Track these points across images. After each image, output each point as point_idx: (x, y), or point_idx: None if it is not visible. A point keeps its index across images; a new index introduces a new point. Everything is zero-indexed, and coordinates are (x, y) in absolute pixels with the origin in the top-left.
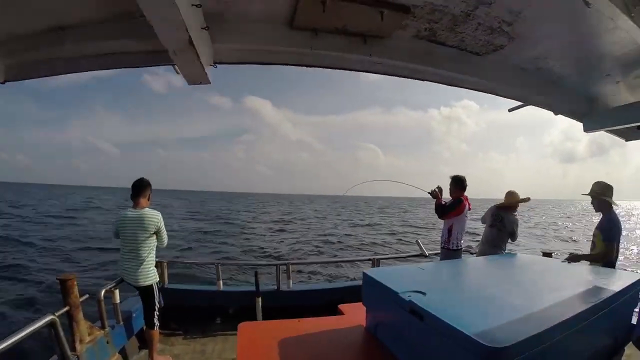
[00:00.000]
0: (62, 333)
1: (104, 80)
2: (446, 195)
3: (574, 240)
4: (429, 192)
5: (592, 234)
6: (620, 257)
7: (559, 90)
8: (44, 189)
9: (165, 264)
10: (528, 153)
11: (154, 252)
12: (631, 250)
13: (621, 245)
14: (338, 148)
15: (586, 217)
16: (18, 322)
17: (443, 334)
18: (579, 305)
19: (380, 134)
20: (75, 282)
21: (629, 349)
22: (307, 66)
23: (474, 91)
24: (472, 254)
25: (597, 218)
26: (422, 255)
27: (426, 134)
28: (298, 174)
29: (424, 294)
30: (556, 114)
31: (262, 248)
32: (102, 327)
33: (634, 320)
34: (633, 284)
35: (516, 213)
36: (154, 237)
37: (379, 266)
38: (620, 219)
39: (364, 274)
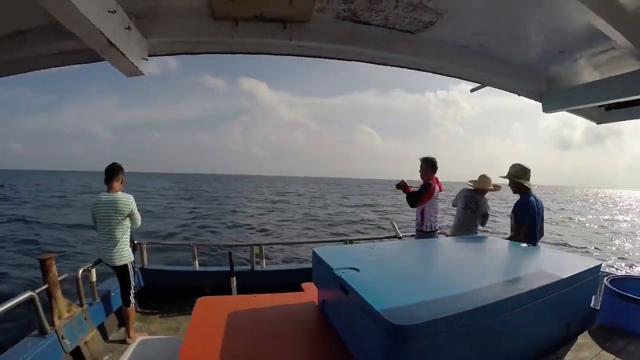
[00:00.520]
0: (41, 309)
1: (99, 65)
2: (418, 178)
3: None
4: (396, 186)
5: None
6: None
7: (513, 69)
8: (42, 175)
9: (145, 245)
10: (524, 138)
11: (128, 233)
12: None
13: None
14: (335, 130)
15: (575, 203)
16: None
17: (361, 308)
18: (516, 288)
19: (377, 117)
20: (54, 262)
21: (583, 338)
22: (230, 53)
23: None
24: (447, 235)
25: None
26: (396, 237)
27: (423, 117)
28: (292, 155)
29: (357, 270)
30: (519, 94)
31: (251, 226)
32: (81, 304)
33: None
34: (589, 270)
35: (486, 196)
36: (128, 219)
37: None
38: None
39: (313, 252)
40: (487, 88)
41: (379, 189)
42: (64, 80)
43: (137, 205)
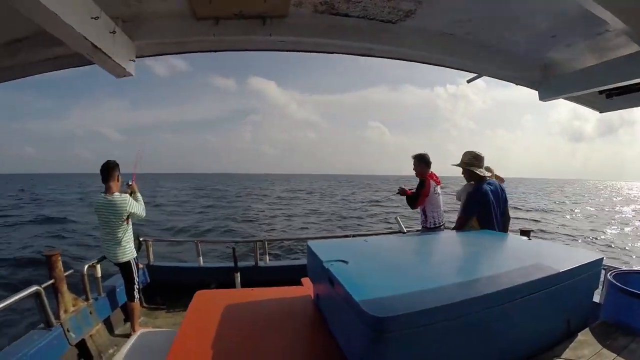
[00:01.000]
0: (47, 303)
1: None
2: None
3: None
4: (396, 193)
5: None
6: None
7: (505, 57)
8: (55, 178)
9: (151, 242)
10: (535, 131)
11: (130, 231)
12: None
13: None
14: (346, 128)
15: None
16: None
17: (345, 300)
18: (508, 281)
19: (387, 112)
20: (59, 257)
21: (583, 335)
22: (214, 51)
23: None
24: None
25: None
26: (400, 232)
27: (433, 112)
28: (303, 154)
29: (346, 262)
30: (516, 84)
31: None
32: (86, 299)
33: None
34: (589, 264)
35: None
36: (128, 219)
37: None
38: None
39: (307, 246)
40: (494, 80)
41: (389, 186)
42: (73, 85)
43: (154, 203)
